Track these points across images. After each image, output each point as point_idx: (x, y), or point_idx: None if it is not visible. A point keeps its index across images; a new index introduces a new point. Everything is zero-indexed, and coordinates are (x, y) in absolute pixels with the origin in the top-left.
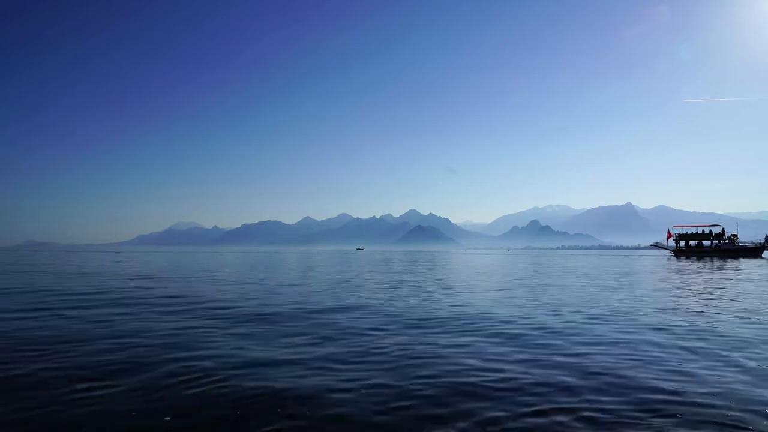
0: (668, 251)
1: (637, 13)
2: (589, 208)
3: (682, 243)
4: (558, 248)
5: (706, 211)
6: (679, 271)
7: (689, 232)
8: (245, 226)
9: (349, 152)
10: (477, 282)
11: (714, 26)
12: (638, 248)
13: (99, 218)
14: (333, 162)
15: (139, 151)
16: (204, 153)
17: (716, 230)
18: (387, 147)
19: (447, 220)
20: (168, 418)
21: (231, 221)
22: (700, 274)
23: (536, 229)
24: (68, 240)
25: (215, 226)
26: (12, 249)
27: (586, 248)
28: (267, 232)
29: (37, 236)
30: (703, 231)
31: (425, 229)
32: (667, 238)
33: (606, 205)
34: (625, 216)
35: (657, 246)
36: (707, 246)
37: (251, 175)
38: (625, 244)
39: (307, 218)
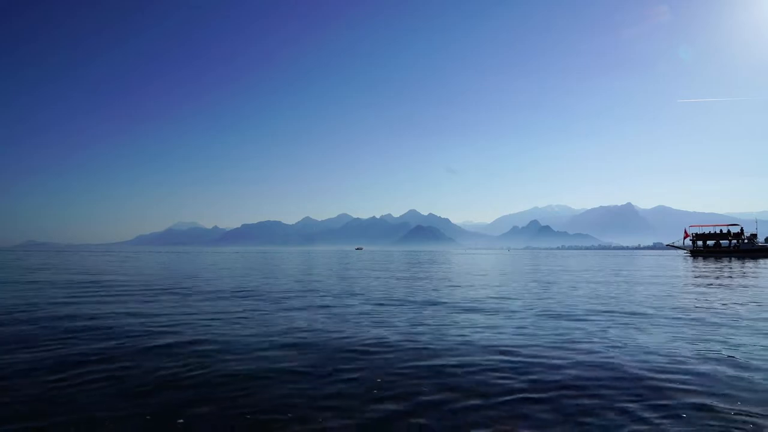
0: (684, 251)
1: (637, 13)
2: (589, 208)
3: (699, 243)
4: (558, 248)
5: (706, 211)
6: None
7: (707, 232)
8: (245, 226)
9: (349, 152)
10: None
11: (714, 26)
12: (638, 248)
13: (99, 218)
14: (333, 162)
15: (139, 151)
16: (204, 153)
17: (734, 230)
18: (387, 147)
19: (447, 220)
20: None
21: (231, 221)
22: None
23: (536, 229)
24: (68, 240)
25: (215, 226)
26: (11, 249)
27: (586, 248)
28: (267, 232)
29: (37, 236)
30: (720, 231)
31: (425, 229)
32: (684, 238)
33: (606, 205)
34: (625, 216)
35: (672, 246)
36: (725, 246)
37: (251, 175)
38: (625, 244)
39: (307, 218)
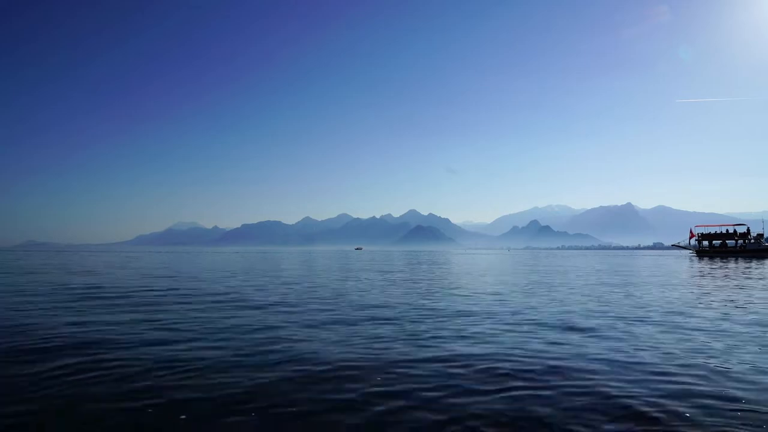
0: (690, 251)
1: (637, 13)
2: (589, 208)
3: (705, 243)
4: (558, 248)
5: (706, 211)
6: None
7: (713, 232)
8: (245, 226)
9: (349, 152)
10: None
11: (714, 26)
12: (638, 248)
13: (99, 218)
14: (333, 162)
15: (139, 151)
16: (204, 153)
17: (741, 230)
18: (387, 147)
19: (447, 220)
20: None
21: (231, 221)
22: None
23: (536, 229)
24: (68, 240)
25: (215, 226)
26: (11, 249)
27: (586, 248)
28: (267, 232)
29: (37, 236)
30: (727, 230)
31: (425, 229)
32: (690, 238)
33: (606, 205)
34: (625, 216)
35: (678, 246)
36: (731, 246)
37: (251, 175)
38: (625, 244)
39: (307, 218)
